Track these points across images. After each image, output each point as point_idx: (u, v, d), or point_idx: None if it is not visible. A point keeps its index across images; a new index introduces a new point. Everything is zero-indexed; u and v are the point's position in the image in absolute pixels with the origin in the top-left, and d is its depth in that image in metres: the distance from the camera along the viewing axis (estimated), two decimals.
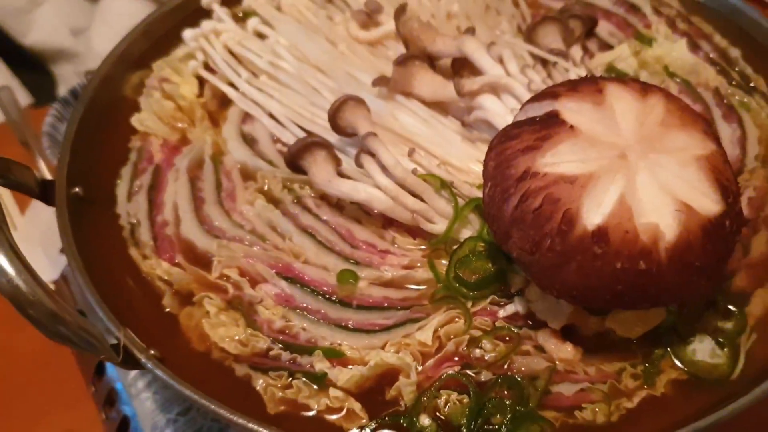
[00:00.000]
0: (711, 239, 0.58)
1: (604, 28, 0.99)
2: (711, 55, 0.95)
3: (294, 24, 0.96)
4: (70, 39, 2.06)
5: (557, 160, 0.60)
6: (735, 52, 0.96)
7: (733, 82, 0.91)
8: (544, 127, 0.61)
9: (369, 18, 0.94)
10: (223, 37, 0.95)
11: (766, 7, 1.70)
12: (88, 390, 1.05)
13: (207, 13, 1.03)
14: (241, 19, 1.02)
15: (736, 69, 0.93)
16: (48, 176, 1.26)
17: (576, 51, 0.90)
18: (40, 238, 1.29)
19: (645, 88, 0.64)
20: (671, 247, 0.57)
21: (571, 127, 0.61)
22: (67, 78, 2.11)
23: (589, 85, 0.63)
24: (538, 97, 0.65)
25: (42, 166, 1.41)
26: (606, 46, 0.97)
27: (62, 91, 2.09)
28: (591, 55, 0.95)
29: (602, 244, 0.57)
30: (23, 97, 1.85)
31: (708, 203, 0.59)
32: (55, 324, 0.62)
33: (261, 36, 0.97)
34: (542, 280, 0.61)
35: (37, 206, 1.37)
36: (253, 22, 0.96)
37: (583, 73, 0.83)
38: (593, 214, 0.57)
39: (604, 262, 0.57)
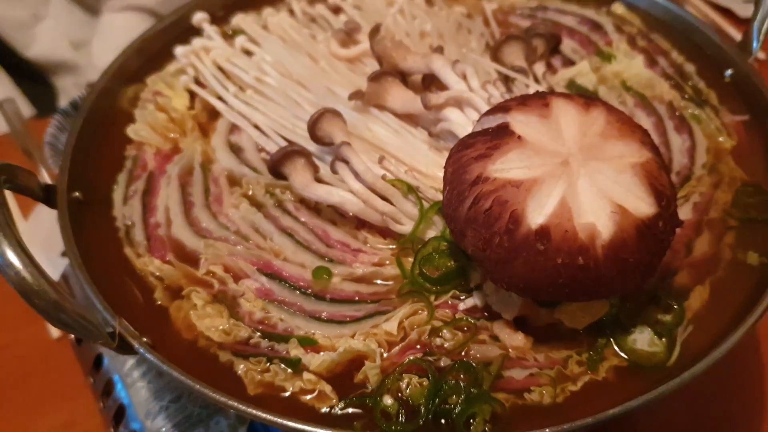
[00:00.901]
0: (644, 238, 0.64)
1: (568, 45, 1.04)
2: (667, 71, 1.00)
3: (278, 42, 1.01)
4: (71, 52, 2.10)
5: (506, 166, 0.66)
6: (690, 68, 1.01)
7: (686, 96, 0.96)
8: (495, 138, 0.67)
9: (348, 37, 1.00)
10: (212, 53, 1.00)
11: (739, 22, 1.77)
12: (86, 382, 1.08)
13: (198, 31, 1.08)
14: (229, 37, 1.07)
15: (690, 83, 0.98)
16: (50, 182, 1.32)
17: (539, 67, 0.96)
18: (42, 242, 1.34)
19: (588, 103, 0.70)
20: (607, 244, 0.63)
21: (519, 137, 0.67)
22: (68, 89, 2.14)
23: (537, 100, 0.70)
24: (492, 110, 0.71)
25: (44, 173, 1.47)
26: (569, 62, 1.02)
27: (63, 102, 2.13)
28: (554, 70, 1.00)
29: (544, 242, 0.63)
30: (25, 108, 1.90)
31: (642, 206, 0.65)
32: (57, 312, 0.67)
33: (248, 53, 1.02)
34: (493, 274, 0.67)
35: (39, 213, 1.42)
36: (240, 40, 1.02)
37: (541, 88, 0.90)
38: (537, 214, 0.63)
39: (546, 258, 0.63)
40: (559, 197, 0.64)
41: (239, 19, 1.06)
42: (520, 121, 0.68)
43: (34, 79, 2.12)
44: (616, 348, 0.73)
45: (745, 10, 1.76)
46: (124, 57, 1.02)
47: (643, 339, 0.72)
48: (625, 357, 0.72)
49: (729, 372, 1.03)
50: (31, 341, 1.22)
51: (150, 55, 1.06)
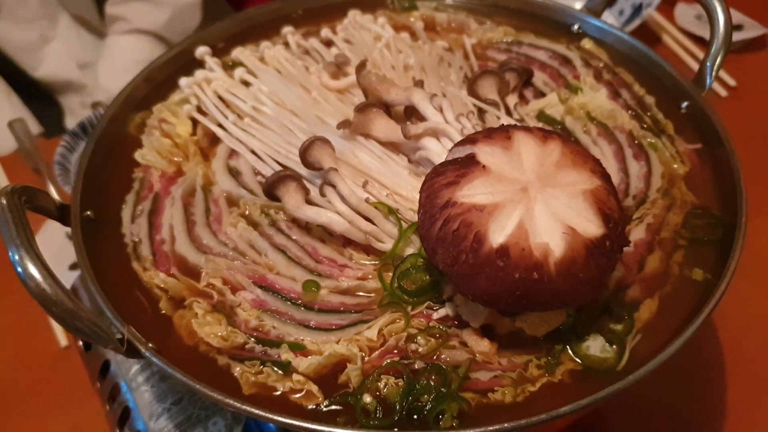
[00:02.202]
0: (592, 256, 0.72)
1: (539, 78, 1.12)
2: (629, 102, 1.07)
3: (274, 74, 1.09)
4: (78, 72, 2.17)
5: (471, 192, 0.74)
6: (650, 99, 1.08)
7: (645, 126, 1.04)
8: (463, 167, 0.76)
9: (338, 69, 1.08)
10: (213, 84, 1.07)
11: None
12: (93, 389, 1.12)
13: (200, 63, 1.15)
14: (229, 67, 1.15)
15: (649, 114, 1.06)
16: (58, 199, 1.39)
17: (512, 99, 1.04)
18: (51, 256, 1.42)
19: (546, 136, 0.79)
20: (558, 261, 0.71)
21: (484, 166, 0.75)
22: (74, 108, 2.22)
23: (501, 133, 0.78)
24: (462, 142, 0.80)
25: (52, 190, 1.55)
26: (540, 94, 1.10)
27: (69, 120, 2.22)
28: (526, 101, 1.08)
29: (504, 259, 0.70)
30: (34, 126, 1.97)
31: (591, 227, 0.73)
32: (72, 319, 0.74)
33: (246, 83, 1.09)
34: (461, 287, 0.75)
35: (47, 228, 1.50)
36: (239, 72, 1.09)
37: (511, 120, 0.98)
38: (498, 235, 0.71)
39: (505, 273, 0.70)
40: (517, 220, 0.72)
41: (238, 52, 1.14)
42: (485, 152, 0.77)
43: (41, 98, 2.20)
44: (571, 353, 0.80)
45: None
46: (132, 86, 1.09)
47: (595, 346, 0.80)
48: (579, 362, 0.79)
49: (695, 381, 1.13)
50: (40, 350, 1.29)
51: (156, 83, 1.13)
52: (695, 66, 1.78)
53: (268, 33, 1.22)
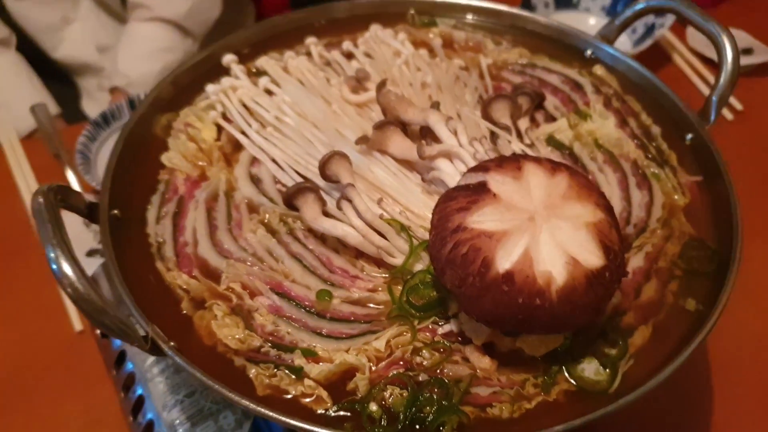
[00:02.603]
0: (592, 285, 0.77)
1: (551, 102, 1.16)
2: (635, 132, 1.11)
3: (297, 84, 1.13)
4: (96, 55, 2.21)
5: (482, 219, 0.78)
6: (656, 130, 1.12)
7: (650, 156, 1.08)
8: (475, 193, 0.81)
9: (358, 84, 1.12)
10: (238, 92, 1.11)
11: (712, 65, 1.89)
12: (109, 374, 1.18)
13: (226, 69, 1.20)
14: (254, 74, 1.19)
15: (654, 144, 1.10)
16: (77, 186, 1.43)
17: (523, 122, 1.08)
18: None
19: (554, 168, 0.83)
20: (560, 289, 0.75)
21: (495, 195, 0.80)
22: (91, 90, 2.26)
23: (512, 163, 0.83)
24: (475, 168, 0.84)
25: (71, 176, 1.59)
26: (551, 118, 1.14)
27: (86, 101, 2.26)
28: (537, 124, 1.12)
29: (509, 284, 0.75)
30: (52, 107, 2.02)
31: (592, 258, 0.77)
32: (101, 316, 0.78)
33: (269, 92, 1.13)
34: (467, 308, 0.80)
35: (65, 215, 1.55)
36: (263, 81, 1.13)
37: (522, 145, 1.03)
38: (504, 261, 0.76)
39: (510, 297, 0.75)
40: (523, 248, 0.76)
41: (263, 61, 1.18)
42: (496, 181, 0.81)
43: (59, 78, 2.23)
44: (566, 375, 0.84)
45: None
46: (159, 88, 1.13)
47: (590, 369, 0.84)
48: (574, 383, 0.84)
49: (687, 401, 1.18)
50: (55, 333, 1.33)
51: (183, 86, 1.17)
52: (704, 88, 1.83)
53: (292, 42, 1.26)
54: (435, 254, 0.81)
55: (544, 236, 0.78)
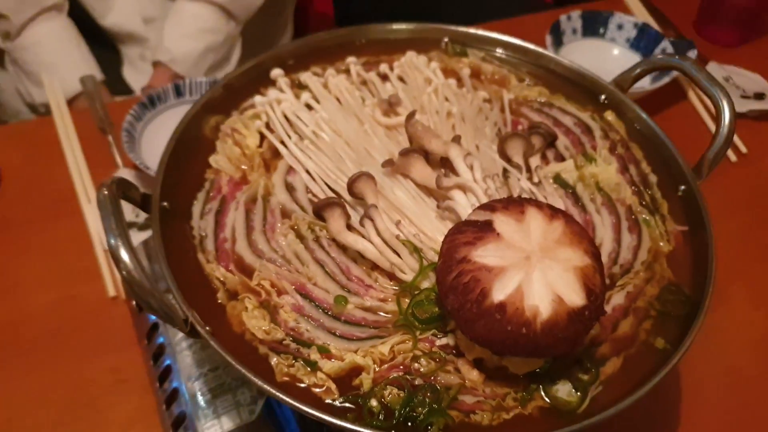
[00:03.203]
0: (572, 321, 0.88)
1: (562, 142, 1.26)
2: (634, 179, 1.21)
3: (335, 102, 1.25)
4: (142, 26, 2.30)
5: (484, 254, 0.90)
6: (653, 178, 1.22)
7: (643, 203, 1.18)
8: (481, 231, 0.93)
9: (390, 108, 1.24)
10: (282, 105, 1.23)
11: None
12: (139, 343, 1.30)
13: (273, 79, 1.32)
14: (297, 86, 1.31)
15: (649, 192, 1.20)
16: (119, 162, 1.55)
17: (534, 160, 1.20)
18: None
19: (553, 215, 0.95)
20: (544, 322, 0.86)
21: (498, 234, 0.92)
22: (133, 59, 2.35)
23: (517, 206, 0.95)
24: (484, 207, 0.96)
25: (115, 152, 1.72)
26: (560, 157, 1.24)
27: (127, 69, 2.36)
28: (547, 162, 1.23)
29: (501, 313, 0.87)
30: (96, 74, 2.13)
31: (575, 298, 0.89)
32: (149, 299, 0.90)
33: (309, 107, 1.25)
34: (463, 329, 0.91)
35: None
36: (305, 96, 1.25)
37: (529, 184, 1.14)
38: (499, 293, 0.87)
39: (500, 325, 0.87)
40: (517, 283, 0.88)
41: (307, 77, 1.30)
42: (501, 221, 0.93)
43: (103, 45, 2.32)
44: (542, 393, 0.95)
45: (740, 106, 1.99)
46: (211, 93, 1.24)
47: (564, 390, 0.95)
48: (548, 401, 0.95)
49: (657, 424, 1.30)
50: (90, 296, 1.44)
51: (233, 90, 1.28)
52: (712, 126, 1.93)
53: (334, 57, 1.38)
54: (441, 279, 0.93)
55: (537, 274, 0.90)
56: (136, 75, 2.36)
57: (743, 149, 1.94)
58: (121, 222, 0.93)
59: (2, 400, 1.29)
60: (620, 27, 2.09)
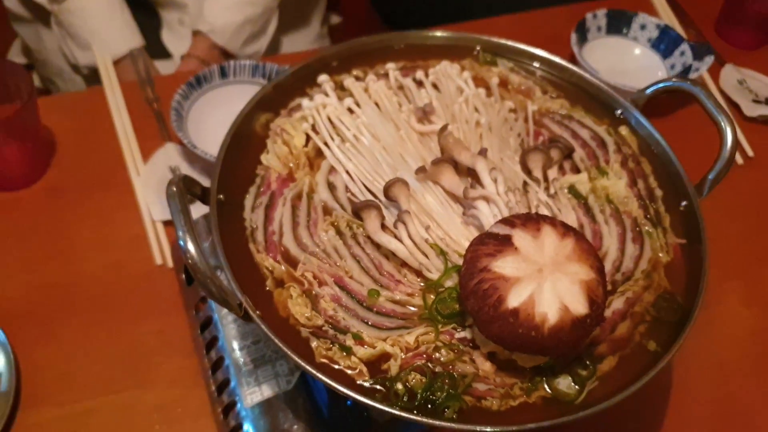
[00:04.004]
0: (575, 328, 1.01)
1: (578, 154, 1.37)
2: (642, 192, 1.31)
3: (374, 107, 1.36)
4: None
5: (503, 265, 1.03)
6: (659, 193, 1.32)
7: (648, 216, 1.28)
8: (501, 244, 1.06)
9: (424, 115, 1.36)
10: (327, 109, 1.34)
11: (744, 119, 2.07)
12: (187, 313, 1.43)
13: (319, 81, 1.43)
14: (339, 88, 1.42)
15: (654, 206, 1.30)
16: (167, 136, 1.64)
17: (552, 172, 1.31)
18: (156, 185, 1.72)
19: (565, 233, 1.07)
20: (551, 327, 0.99)
21: (516, 248, 1.05)
22: (172, 23, 2.41)
23: (534, 224, 1.07)
24: (505, 221, 1.08)
25: (162, 127, 1.84)
26: (576, 168, 1.35)
27: (165, 33, 2.45)
28: (564, 172, 1.34)
29: (514, 318, 1.00)
30: (137, 38, 2.21)
31: (579, 308, 1.01)
32: (208, 284, 1.03)
33: (351, 111, 1.36)
34: (479, 327, 1.04)
35: (155, 159, 1.79)
36: (348, 101, 1.36)
37: (545, 197, 1.26)
38: (514, 300, 1.00)
39: (513, 327, 1.00)
40: (530, 292, 1.01)
41: (349, 83, 1.41)
42: (519, 237, 1.06)
43: (143, 9, 2.39)
44: (545, 385, 1.09)
45: (750, 110, 2.08)
46: (263, 92, 1.36)
47: (564, 383, 1.08)
48: (550, 392, 1.08)
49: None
50: (138, 264, 1.57)
51: (282, 90, 1.40)
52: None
53: (374, 60, 1.48)
54: (463, 283, 1.07)
55: (547, 285, 1.03)
56: (175, 40, 2.44)
57: (750, 153, 2.03)
58: (189, 218, 1.07)
59: (61, 354, 1.44)
60: (643, 27, 2.18)
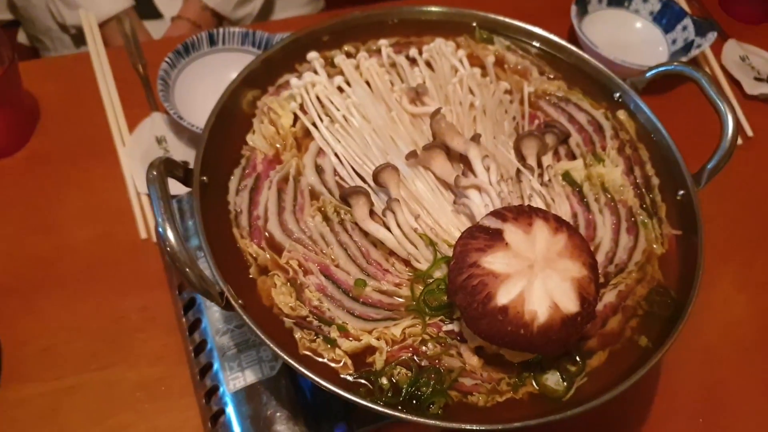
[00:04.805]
0: (565, 326, 0.99)
1: (574, 139, 1.33)
2: (638, 180, 1.28)
3: (365, 87, 1.32)
4: None
5: (493, 260, 1.00)
6: (655, 181, 1.29)
7: (644, 206, 1.26)
8: (491, 239, 1.03)
9: (417, 96, 1.32)
10: (316, 88, 1.30)
11: (745, 97, 2.03)
12: (171, 293, 1.41)
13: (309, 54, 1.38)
14: (329, 64, 1.37)
15: (650, 196, 1.27)
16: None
17: (546, 159, 1.27)
18: (142, 156, 1.68)
19: (558, 228, 1.04)
20: (540, 326, 0.97)
21: (507, 243, 1.02)
22: None
23: (526, 218, 1.04)
24: (496, 214, 1.05)
25: (149, 95, 1.79)
26: (571, 154, 1.32)
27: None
28: (558, 158, 1.31)
29: (503, 315, 0.98)
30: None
31: (570, 306, 0.99)
32: (188, 274, 0.99)
33: (341, 90, 1.32)
34: (467, 323, 1.02)
35: (141, 130, 1.74)
36: (338, 79, 1.32)
37: (539, 186, 1.22)
38: (503, 297, 0.98)
39: (501, 325, 0.98)
40: (519, 290, 0.99)
41: (340, 60, 1.36)
42: (510, 231, 1.03)
43: None
44: (533, 381, 1.07)
45: (752, 88, 2.04)
46: (250, 68, 1.31)
47: (552, 379, 1.07)
48: (537, 388, 1.07)
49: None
50: (123, 237, 1.54)
51: (271, 64, 1.35)
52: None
53: (367, 35, 1.44)
54: (452, 278, 1.04)
55: (538, 282, 1.00)
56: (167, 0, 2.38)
57: (749, 132, 1.99)
58: (169, 205, 1.03)
59: (44, 329, 1.41)
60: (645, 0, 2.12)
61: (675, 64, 1.39)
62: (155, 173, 1.06)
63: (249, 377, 1.23)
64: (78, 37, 2.25)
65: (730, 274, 1.72)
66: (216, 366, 1.26)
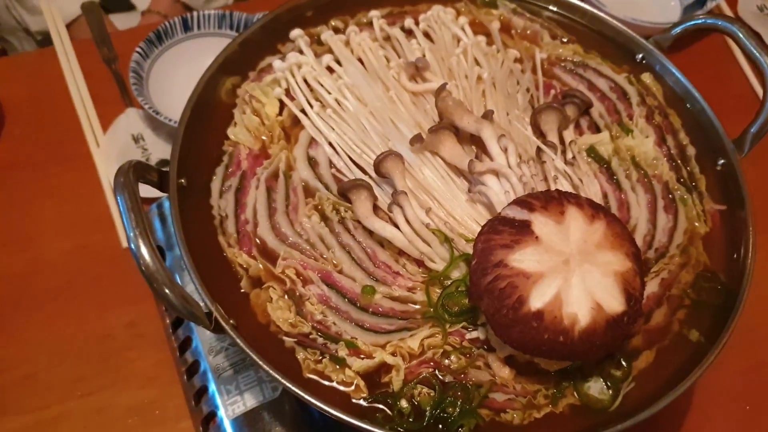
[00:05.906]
0: (610, 329, 0.86)
1: (597, 109, 1.20)
2: (672, 151, 1.16)
3: (358, 65, 1.18)
4: None
5: (522, 258, 0.87)
6: (691, 151, 1.17)
7: (681, 180, 1.13)
8: (518, 233, 0.89)
9: (417, 71, 1.17)
10: (303, 70, 1.16)
11: None
12: (158, 308, 1.28)
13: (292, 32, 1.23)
14: (316, 42, 1.23)
15: (687, 168, 1.15)
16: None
17: (568, 134, 1.14)
18: (118, 156, 1.55)
19: (594, 215, 0.90)
20: (582, 330, 0.85)
21: (537, 237, 0.88)
22: None
23: (556, 206, 0.90)
24: (521, 203, 0.91)
25: (124, 91, 1.64)
26: (594, 126, 1.19)
27: None
28: (581, 132, 1.18)
29: (538, 321, 0.85)
30: None
31: (614, 304, 0.86)
32: (168, 297, 0.86)
33: (331, 70, 1.18)
34: (496, 331, 0.89)
35: (115, 128, 1.61)
36: (326, 59, 1.18)
37: (563, 164, 1.07)
38: (537, 301, 0.85)
39: (537, 333, 0.85)
40: (556, 290, 0.86)
41: (327, 36, 1.22)
42: (540, 222, 0.89)
43: None
44: (574, 390, 0.95)
45: None
46: (227, 51, 1.17)
47: (596, 387, 0.95)
48: (579, 399, 0.94)
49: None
50: (103, 246, 1.41)
51: (250, 47, 1.21)
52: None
53: (356, 7, 1.29)
54: (475, 281, 0.90)
55: (576, 279, 0.87)
56: None
57: None
58: (141, 216, 0.90)
59: (22, 354, 1.29)
60: None
61: (703, 17, 1.23)
62: (122, 180, 0.92)
63: (249, 401, 1.10)
64: (44, 43, 2.11)
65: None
66: (212, 389, 1.12)
